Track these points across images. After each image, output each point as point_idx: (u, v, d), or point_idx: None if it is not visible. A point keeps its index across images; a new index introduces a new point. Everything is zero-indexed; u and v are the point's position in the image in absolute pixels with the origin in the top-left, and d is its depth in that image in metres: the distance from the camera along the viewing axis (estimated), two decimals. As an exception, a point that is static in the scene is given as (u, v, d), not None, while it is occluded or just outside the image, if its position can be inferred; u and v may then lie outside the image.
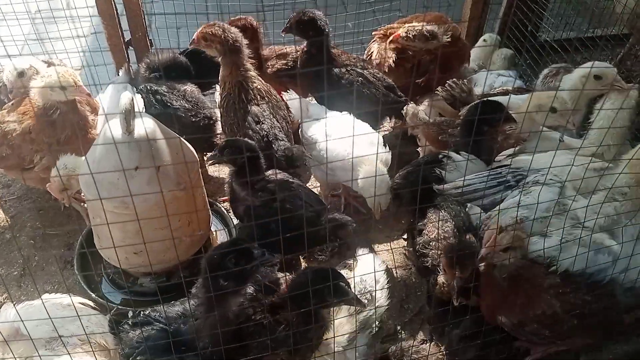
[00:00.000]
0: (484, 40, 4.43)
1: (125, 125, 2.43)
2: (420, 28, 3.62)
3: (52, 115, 3.07)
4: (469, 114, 3.14)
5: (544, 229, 2.41)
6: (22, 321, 2.09)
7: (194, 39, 3.15)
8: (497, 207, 2.56)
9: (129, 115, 2.43)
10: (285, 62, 3.81)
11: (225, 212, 3.38)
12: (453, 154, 2.94)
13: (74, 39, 3.41)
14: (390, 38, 3.75)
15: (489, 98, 3.27)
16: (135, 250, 2.65)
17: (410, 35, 3.61)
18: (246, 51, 3.14)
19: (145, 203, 2.46)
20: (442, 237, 2.60)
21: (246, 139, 2.91)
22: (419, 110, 3.43)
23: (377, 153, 2.75)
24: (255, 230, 2.54)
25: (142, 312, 2.30)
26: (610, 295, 2.37)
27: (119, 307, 2.75)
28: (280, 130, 3.15)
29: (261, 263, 2.18)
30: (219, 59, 3.18)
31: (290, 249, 2.09)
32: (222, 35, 3.05)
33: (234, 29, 3.11)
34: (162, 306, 2.26)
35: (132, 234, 2.52)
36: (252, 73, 3.19)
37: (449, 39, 3.73)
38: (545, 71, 3.70)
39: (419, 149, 3.67)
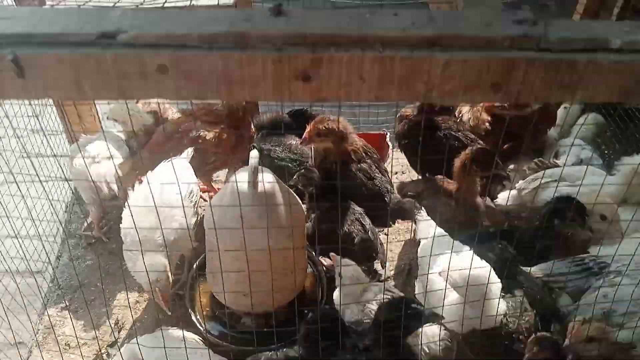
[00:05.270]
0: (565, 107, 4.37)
1: (252, 179, 2.70)
2: None
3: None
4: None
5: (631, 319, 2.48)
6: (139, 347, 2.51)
7: (305, 137, 3.32)
8: (581, 298, 2.65)
9: (256, 171, 2.71)
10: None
11: (316, 258, 3.58)
12: None
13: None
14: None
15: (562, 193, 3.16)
16: (245, 292, 2.88)
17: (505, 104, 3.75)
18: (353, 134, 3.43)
19: (261, 251, 2.70)
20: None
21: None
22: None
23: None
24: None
25: None
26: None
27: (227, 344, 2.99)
28: (387, 182, 3.41)
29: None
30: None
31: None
32: (336, 129, 3.22)
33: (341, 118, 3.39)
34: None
35: (244, 278, 2.75)
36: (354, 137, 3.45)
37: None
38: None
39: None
